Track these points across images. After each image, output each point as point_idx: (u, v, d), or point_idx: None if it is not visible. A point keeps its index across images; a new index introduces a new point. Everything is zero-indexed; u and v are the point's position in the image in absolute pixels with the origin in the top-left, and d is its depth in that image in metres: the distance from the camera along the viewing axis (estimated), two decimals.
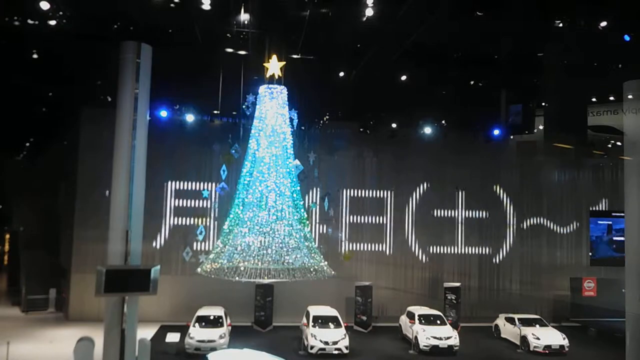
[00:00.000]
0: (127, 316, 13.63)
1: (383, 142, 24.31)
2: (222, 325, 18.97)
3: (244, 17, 15.74)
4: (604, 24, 15.58)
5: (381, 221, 25.26)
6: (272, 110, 14.92)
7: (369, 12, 14.61)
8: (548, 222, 26.57)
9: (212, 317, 19.26)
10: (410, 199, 25.54)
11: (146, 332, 17.05)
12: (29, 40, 16.56)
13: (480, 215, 25.96)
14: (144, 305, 14.78)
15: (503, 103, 21.56)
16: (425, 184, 25.60)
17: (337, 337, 18.43)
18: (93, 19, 15.48)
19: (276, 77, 14.91)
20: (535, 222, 26.45)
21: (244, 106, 15.08)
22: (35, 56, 17.87)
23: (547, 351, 19.36)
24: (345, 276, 22.34)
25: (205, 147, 23.07)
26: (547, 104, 22.10)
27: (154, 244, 23.06)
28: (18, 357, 16.35)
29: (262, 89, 15.04)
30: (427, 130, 23.66)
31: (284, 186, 14.68)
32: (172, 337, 18.48)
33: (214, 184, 22.82)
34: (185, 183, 23.81)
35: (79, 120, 23.01)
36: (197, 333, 18.27)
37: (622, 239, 17.50)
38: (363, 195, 25.26)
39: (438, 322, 20.24)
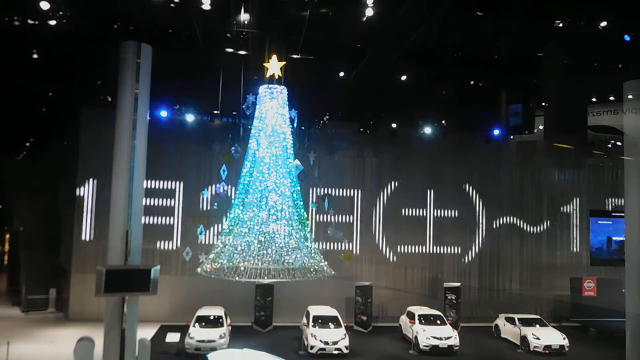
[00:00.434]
0: (127, 316, 13.60)
1: (383, 142, 24.31)
2: (222, 325, 18.97)
3: (244, 17, 15.75)
4: (604, 24, 15.58)
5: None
6: (272, 110, 14.92)
7: (369, 12, 14.62)
8: (548, 221, 26.61)
9: (212, 317, 19.26)
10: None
11: (146, 332, 17.05)
12: (29, 40, 16.57)
13: (480, 213, 25.99)
14: (144, 305, 14.74)
15: (503, 103, 21.55)
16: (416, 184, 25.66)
17: (337, 337, 18.43)
18: (93, 19, 15.50)
19: (276, 77, 14.91)
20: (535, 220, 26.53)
21: (244, 106, 15.08)
22: (35, 56, 17.87)
23: (547, 351, 19.36)
24: (345, 276, 22.33)
25: (205, 147, 23.08)
26: (547, 104, 22.10)
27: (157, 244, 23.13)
28: (18, 357, 16.36)
29: (262, 89, 15.04)
30: (427, 130, 23.67)
31: (284, 186, 14.68)
32: (172, 337, 18.48)
33: (213, 184, 22.79)
34: (186, 183, 23.83)
35: (79, 120, 23.00)
36: (197, 333, 18.27)
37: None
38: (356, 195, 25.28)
39: (438, 322, 20.24)
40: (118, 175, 14.01)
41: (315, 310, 20.15)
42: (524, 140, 25.21)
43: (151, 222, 22.91)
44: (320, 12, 15.25)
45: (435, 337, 19.09)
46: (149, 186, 22.05)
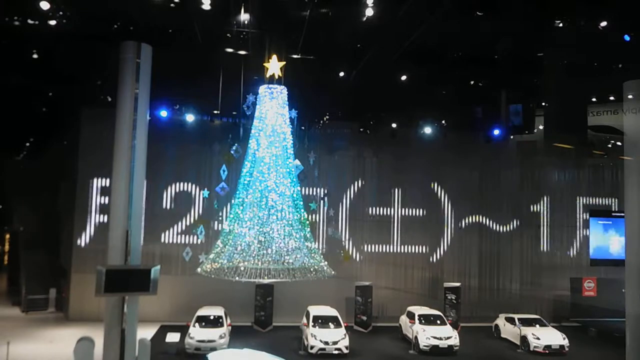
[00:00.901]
0: (127, 316, 13.60)
1: (383, 142, 24.31)
2: (222, 325, 18.96)
3: (244, 17, 15.77)
4: (604, 24, 15.59)
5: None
6: (272, 110, 14.93)
7: (369, 12, 14.63)
8: (548, 222, 26.61)
9: (212, 317, 19.25)
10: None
11: (146, 332, 17.05)
12: (29, 40, 16.57)
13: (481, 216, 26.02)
14: (144, 305, 14.75)
15: (503, 103, 21.56)
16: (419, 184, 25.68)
17: (337, 337, 18.43)
18: (93, 19, 15.50)
19: (276, 77, 14.92)
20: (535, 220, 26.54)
21: (244, 106, 15.09)
22: (35, 56, 17.88)
23: (547, 351, 19.36)
24: (345, 276, 22.33)
25: (205, 147, 23.08)
26: (547, 104, 22.12)
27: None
28: (18, 357, 16.36)
29: (262, 89, 15.05)
30: (427, 130, 23.67)
31: (284, 186, 14.68)
32: (172, 337, 18.46)
33: (213, 184, 22.80)
34: (185, 183, 23.84)
35: (79, 120, 22.99)
36: (197, 333, 18.27)
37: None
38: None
39: (438, 322, 20.23)
40: (118, 175, 14.01)
41: (315, 310, 20.14)
42: (524, 140, 25.21)
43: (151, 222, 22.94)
44: (320, 12, 15.26)
45: (435, 337, 19.09)
46: (148, 186, 22.04)
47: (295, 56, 17.39)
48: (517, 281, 25.90)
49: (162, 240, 23.32)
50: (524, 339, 19.94)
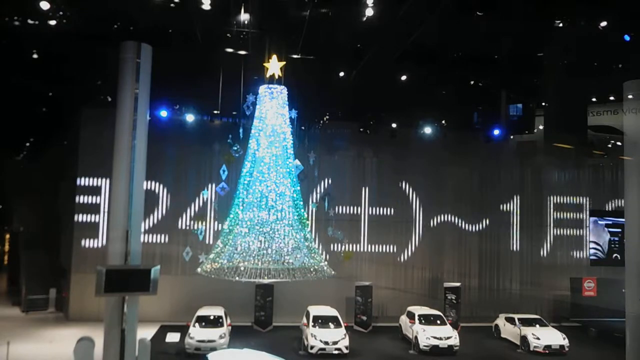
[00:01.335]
0: (127, 316, 13.61)
1: (383, 142, 24.31)
2: (222, 325, 18.96)
3: (244, 17, 15.78)
4: (604, 24, 15.59)
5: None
6: (272, 110, 14.93)
7: (369, 12, 14.64)
8: (548, 221, 26.62)
9: (212, 317, 19.24)
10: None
11: (146, 332, 17.04)
12: (29, 40, 16.56)
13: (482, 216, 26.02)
14: (144, 305, 14.76)
15: (503, 103, 21.57)
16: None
17: (337, 337, 18.43)
18: (93, 19, 15.50)
19: (276, 77, 14.92)
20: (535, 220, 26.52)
21: (244, 106, 15.08)
22: (35, 56, 17.88)
23: (547, 351, 19.35)
24: (345, 276, 22.33)
25: (205, 147, 23.07)
26: (547, 104, 22.12)
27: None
28: (18, 357, 16.35)
29: (262, 89, 15.05)
30: (427, 130, 23.67)
31: (284, 186, 14.68)
32: (172, 337, 18.47)
33: (213, 184, 22.80)
34: (185, 183, 23.84)
35: (79, 120, 22.99)
36: (197, 333, 18.26)
37: None
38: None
39: (438, 322, 20.23)
40: (118, 175, 14.02)
41: (315, 310, 20.14)
42: (524, 140, 25.21)
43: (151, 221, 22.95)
44: (320, 12, 15.27)
45: (435, 337, 19.09)
46: (148, 186, 22.08)
47: (295, 56, 17.39)
48: (517, 281, 25.91)
49: (162, 240, 23.32)
50: (524, 339, 19.94)
